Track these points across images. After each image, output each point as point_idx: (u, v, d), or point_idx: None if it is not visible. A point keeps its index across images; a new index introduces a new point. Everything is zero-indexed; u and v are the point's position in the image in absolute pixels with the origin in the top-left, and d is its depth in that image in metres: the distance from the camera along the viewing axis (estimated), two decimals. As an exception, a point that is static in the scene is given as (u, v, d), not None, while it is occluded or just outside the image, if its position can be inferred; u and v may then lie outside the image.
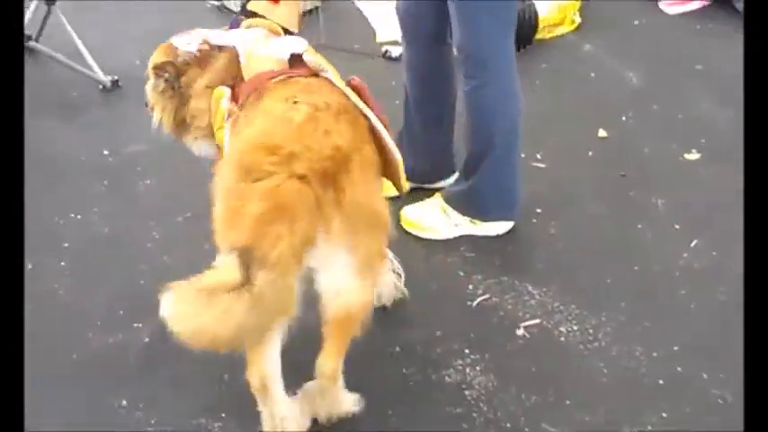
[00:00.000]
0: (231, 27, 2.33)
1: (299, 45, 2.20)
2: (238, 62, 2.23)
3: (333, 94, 2.02)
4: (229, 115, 2.11)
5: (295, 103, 1.91)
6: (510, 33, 2.56)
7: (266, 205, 1.70)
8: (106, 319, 2.52)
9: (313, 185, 1.74)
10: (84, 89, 3.78)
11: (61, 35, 3.86)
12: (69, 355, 2.40)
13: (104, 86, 3.78)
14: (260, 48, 2.21)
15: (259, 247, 1.66)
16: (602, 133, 3.30)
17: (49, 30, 3.87)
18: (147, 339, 2.45)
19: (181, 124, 2.35)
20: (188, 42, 2.30)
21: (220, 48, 2.29)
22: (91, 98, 3.74)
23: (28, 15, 3.62)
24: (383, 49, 4.07)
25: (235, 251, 1.68)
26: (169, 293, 1.70)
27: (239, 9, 2.41)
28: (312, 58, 2.16)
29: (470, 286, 2.59)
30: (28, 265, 2.72)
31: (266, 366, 1.99)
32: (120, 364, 2.38)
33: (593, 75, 3.76)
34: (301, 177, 1.73)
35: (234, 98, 2.14)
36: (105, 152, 3.33)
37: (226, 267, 1.69)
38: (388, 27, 4.28)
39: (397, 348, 2.40)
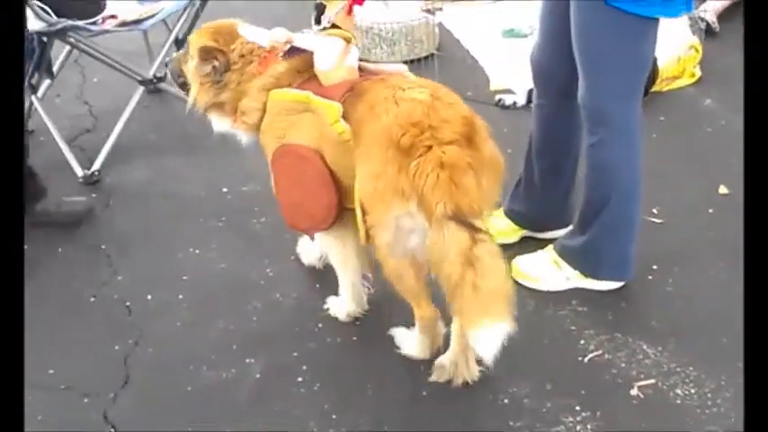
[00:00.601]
0: (291, 52, 2.42)
1: (357, 53, 2.43)
2: (307, 68, 2.37)
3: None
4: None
5: (404, 90, 2.15)
6: (637, 91, 2.52)
7: (446, 171, 2.01)
8: (220, 354, 2.58)
9: (464, 148, 2.05)
10: (207, 129, 3.91)
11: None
12: (184, 388, 2.47)
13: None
14: (345, 58, 2.37)
15: (466, 205, 2.01)
16: (723, 190, 3.21)
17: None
18: (258, 375, 2.50)
19: (218, 107, 2.52)
20: (259, 35, 2.40)
21: (291, 51, 2.40)
22: (213, 138, 3.84)
23: (159, 58, 3.79)
24: (497, 97, 4.08)
25: (447, 219, 1.99)
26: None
27: (315, 14, 2.50)
28: (368, 65, 2.47)
29: (582, 341, 2.55)
30: (148, 296, 2.83)
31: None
32: (232, 398, 2.43)
33: (710, 130, 3.67)
34: (453, 142, 2.04)
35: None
36: (224, 190, 3.44)
37: (459, 245, 2.00)
38: (502, 75, 4.31)
39: (505, 400, 2.37)
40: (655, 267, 2.83)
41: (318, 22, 2.45)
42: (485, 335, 2.01)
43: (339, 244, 2.53)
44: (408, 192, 2.04)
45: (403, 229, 2.12)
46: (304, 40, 2.38)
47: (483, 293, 1.99)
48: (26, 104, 3.43)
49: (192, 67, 2.52)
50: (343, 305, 2.67)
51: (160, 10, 3.58)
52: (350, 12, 2.44)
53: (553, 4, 2.63)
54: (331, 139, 2.27)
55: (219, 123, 2.61)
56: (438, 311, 2.36)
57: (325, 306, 2.72)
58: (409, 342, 2.48)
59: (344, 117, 2.24)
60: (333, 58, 2.36)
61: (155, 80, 3.74)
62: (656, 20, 2.41)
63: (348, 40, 2.41)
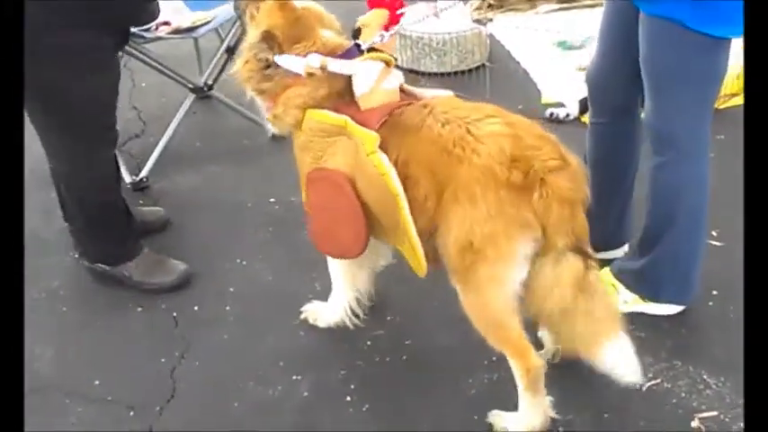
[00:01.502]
0: (343, 57, 2.33)
1: (399, 76, 2.37)
2: (349, 91, 2.29)
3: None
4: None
5: (474, 125, 2.09)
6: (707, 113, 2.43)
7: (567, 206, 2.04)
8: (267, 370, 2.54)
9: (566, 171, 2.05)
10: (254, 137, 3.90)
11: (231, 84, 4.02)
12: (230, 404, 2.43)
13: (274, 134, 3.87)
14: (383, 80, 2.29)
15: (584, 235, 2.10)
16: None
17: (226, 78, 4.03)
18: (306, 393, 2.45)
19: (257, 90, 2.42)
20: (294, 63, 2.31)
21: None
22: (260, 146, 3.85)
23: (210, 66, 3.78)
24: (548, 111, 4.00)
25: (567, 250, 2.05)
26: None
27: (353, 39, 2.42)
28: (413, 89, 2.39)
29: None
30: (195, 308, 2.80)
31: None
32: (278, 417, 2.39)
33: (774, 149, 3.55)
34: (557, 169, 2.03)
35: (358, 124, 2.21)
36: (271, 200, 3.40)
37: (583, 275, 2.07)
38: (554, 88, 4.23)
39: (560, 428, 2.29)
40: (715, 293, 2.74)
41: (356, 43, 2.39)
42: (611, 352, 2.07)
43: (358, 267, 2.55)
44: (534, 223, 2.02)
45: (528, 257, 2.07)
46: (340, 65, 2.29)
47: (597, 316, 2.07)
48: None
49: (250, 34, 2.42)
50: (328, 313, 2.65)
51: (213, 17, 3.56)
52: (387, 27, 2.36)
53: (612, 21, 2.56)
54: (365, 168, 2.19)
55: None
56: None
57: (304, 308, 2.70)
58: (517, 418, 2.26)
59: (382, 147, 2.16)
60: (370, 81, 2.28)
61: (206, 88, 3.72)
62: (729, 39, 2.33)
63: (388, 63, 2.34)
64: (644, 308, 2.65)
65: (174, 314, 2.78)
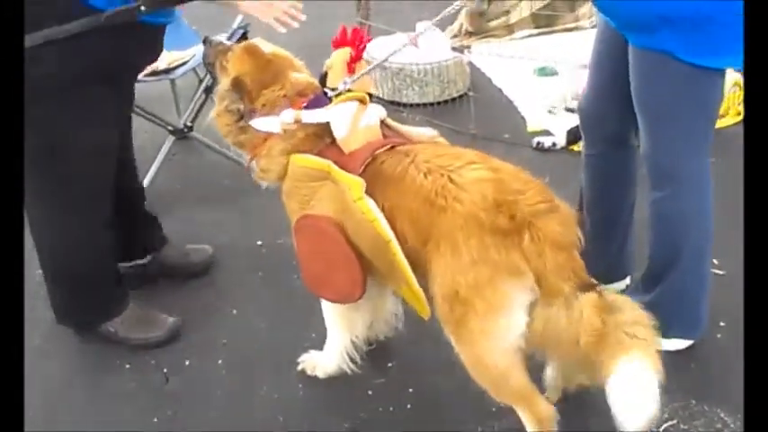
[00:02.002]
0: (313, 105, 2.28)
1: (380, 111, 2.31)
2: (328, 132, 2.23)
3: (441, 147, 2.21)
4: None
5: (457, 172, 2.02)
6: (703, 145, 2.37)
7: (564, 251, 1.97)
8: (265, 426, 2.42)
9: (555, 213, 1.99)
10: (236, 177, 3.80)
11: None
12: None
13: (257, 176, 3.79)
14: (359, 120, 2.24)
15: (585, 273, 2.02)
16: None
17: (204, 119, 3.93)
18: (309, 452, 2.34)
19: (236, 143, 2.39)
20: (269, 123, 2.28)
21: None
22: (243, 186, 3.73)
23: (189, 108, 3.68)
24: (535, 140, 3.95)
25: (575, 292, 1.95)
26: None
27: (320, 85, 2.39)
28: (396, 125, 2.32)
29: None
30: (186, 362, 2.68)
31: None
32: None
33: (766, 171, 3.52)
34: (546, 211, 1.96)
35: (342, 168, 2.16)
36: (259, 242, 3.30)
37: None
38: (538, 116, 4.18)
39: (577, 477, 2.20)
40: (722, 324, 2.67)
41: (323, 85, 2.34)
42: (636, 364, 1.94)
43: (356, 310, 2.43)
44: (525, 269, 1.93)
45: (523, 306, 1.97)
46: (313, 115, 2.24)
47: (630, 321, 1.98)
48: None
49: (220, 85, 2.40)
50: (326, 362, 2.55)
51: (190, 57, 3.47)
52: (351, 70, 2.30)
53: (602, 51, 2.51)
54: (354, 213, 2.12)
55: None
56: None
57: (301, 359, 2.60)
58: None
59: (368, 191, 2.09)
60: (347, 123, 2.22)
61: (185, 129, 3.62)
62: (722, 70, 2.28)
63: (362, 101, 2.28)
64: (652, 344, 2.58)
65: (165, 370, 2.66)
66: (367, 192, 2.09)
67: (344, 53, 2.36)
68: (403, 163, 2.11)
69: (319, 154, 2.23)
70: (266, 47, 2.41)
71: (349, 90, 2.34)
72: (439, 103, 4.36)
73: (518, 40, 5.14)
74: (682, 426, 2.33)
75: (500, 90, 4.52)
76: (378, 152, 2.17)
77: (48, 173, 2.43)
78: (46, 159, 2.39)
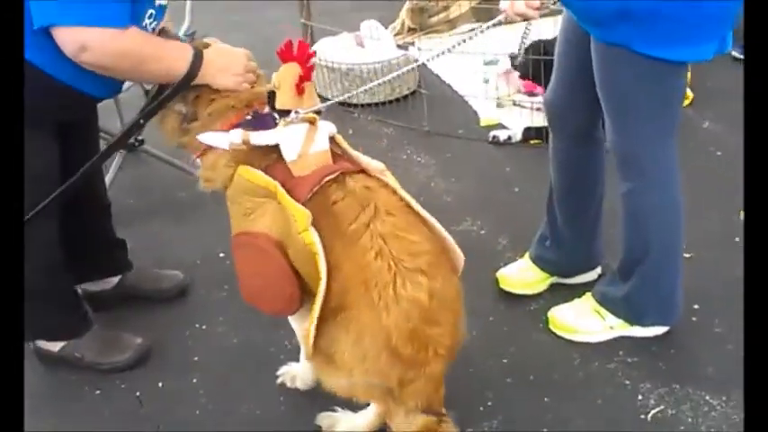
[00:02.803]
0: (259, 122, 2.20)
1: (330, 128, 2.24)
2: (273, 150, 2.14)
3: (399, 211, 2.08)
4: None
5: (406, 273, 1.99)
6: (668, 137, 2.38)
7: (432, 383, 2.07)
8: (249, 445, 2.35)
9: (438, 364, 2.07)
10: (189, 188, 3.68)
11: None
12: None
13: (210, 184, 3.69)
14: (310, 144, 2.15)
15: (438, 403, 2.13)
16: (743, 216, 3.10)
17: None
18: (296, 467, 2.28)
19: (180, 144, 2.33)
20: (217, 139, 2.20)
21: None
22: (197, 197, 3.61)
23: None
24: (490, 134, 3.94)
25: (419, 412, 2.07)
26: None
27: (267, 108, 2.25)
28: (345, 146, 2.25)
29: (640, 396, 2.39)
30: (159, 384, 2.59)
31: None
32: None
33: (719, 153, 3.58)
34: (443, 356, 2.05)
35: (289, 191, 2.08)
36: (221, 254, 3.21)
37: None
38: (490, 110, 4.18)
39: (572, 470, 2.19)
40: (696, 307, 2.70)
41: (272, 107, 2.22)
42: None
43: (303, 320, 2.32)
44: (395, 393, 2.06)
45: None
46: (263, 137, 2.15)
47: None
48: None
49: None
50: (305, 372, 2.48)
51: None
52: (300, 91, 2.21)
53: (568, 44, 2.50)
54: (296, 240, 2.06)
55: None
56: None
57: (280, 372, 2.55)
58: None
59: (313, 222, 2.03)
60: (297, 147, 2.13)
61: (137, 143, 3.50)
62: (683, 63, 2.29)
63: (312, 122, 2.19)
64: (630, 331, 2.59)
65: (138, 393, 2.55)
66: (312, 222, 2.02)
67: (292, 70, 2.21)
68: (359, 219, 2.03)
69: (266, 170, 2.14)
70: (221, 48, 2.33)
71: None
72: (390, 101, 4.32)
73: (461, 34, 5.14)
74: (670, 411, 2.33)
75: (449, 86, 4.50)
76: (327, 179, 2.09)
77: None
78: None
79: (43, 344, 2.65)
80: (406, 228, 2.05)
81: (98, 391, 2.58)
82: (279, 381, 2.54)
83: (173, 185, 3.70)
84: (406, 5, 5.37)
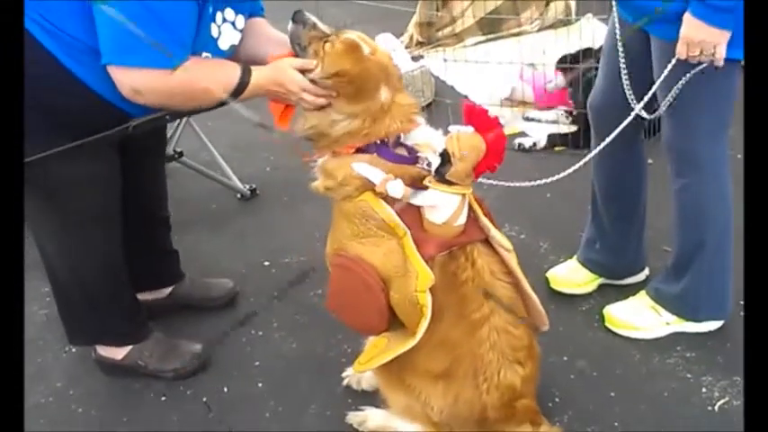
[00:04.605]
0: (382, 153, 2.10)
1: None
2: (412, 182, 2.07)
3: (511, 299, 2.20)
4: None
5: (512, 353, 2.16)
6: (723, 132, 2.46)
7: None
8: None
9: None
10: (222, 200, 3.73)
11: (193, 145, 3.83)
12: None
13: (242, 195, 3.72)
14: (457, 217, 2.08)
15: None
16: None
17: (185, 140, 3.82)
18: (374, 464, 2.30)
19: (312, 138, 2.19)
20: (372, 173, 2.08)
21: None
22: (231, 209, 3.68)
23: (177, 132, 3.58)
24: (515, 141, 4.02)
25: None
26: None
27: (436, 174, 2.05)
28: (478, 210, 2.19)
29: (704, 389, 2.46)
30: (224, 389, 2.60)
31: None
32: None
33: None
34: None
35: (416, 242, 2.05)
36: (266, 263, 3.23)
37: None
38: (510, 118, 4.26)
39: (646, 461, 2.25)
40: (742, 303, 2.77)
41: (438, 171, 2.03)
42: None
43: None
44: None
45: None
46: (421, 199, 2.05)
47: None
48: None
49: (317, 72, 2.13)
50: (367, 376, 2.51)
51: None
52: (477, 175, 2.07)
53: (614, 49, 2.56)
54: (407, 292, 2.05)
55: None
56: None
57: (345, 374, 2.58)
58: None
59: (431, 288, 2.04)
60: (446, 215, 2.07)
61: (176, 155, 3.52)
62: (739, 61, 2.37)
63: (464, 197, 2.09)
64: (686, 327, 2.66)
65: (204, 399, 2.57)
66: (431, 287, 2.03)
67: (478, 145, 2.00)
68: (482, 310, 2.11)
69: (398, 211, 2.08)
70: (367, 46, 2.14)
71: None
72: (413, 113, 4.37)
73: (469, 47, 5.23)
74: (734, 402, 2.40)
75: (466, 96, 4.57)
76: (454, 249, 2.10)
77: (37, 196, 2.29)
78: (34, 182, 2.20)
79: (106, 353, 2.65)
80: (514, 323, 2.17)
81: (164, 398, 2.58)
82: (344, 383, 2.56)
83: (204, 197, 3.73)
84: (414, 19, 5.46)
